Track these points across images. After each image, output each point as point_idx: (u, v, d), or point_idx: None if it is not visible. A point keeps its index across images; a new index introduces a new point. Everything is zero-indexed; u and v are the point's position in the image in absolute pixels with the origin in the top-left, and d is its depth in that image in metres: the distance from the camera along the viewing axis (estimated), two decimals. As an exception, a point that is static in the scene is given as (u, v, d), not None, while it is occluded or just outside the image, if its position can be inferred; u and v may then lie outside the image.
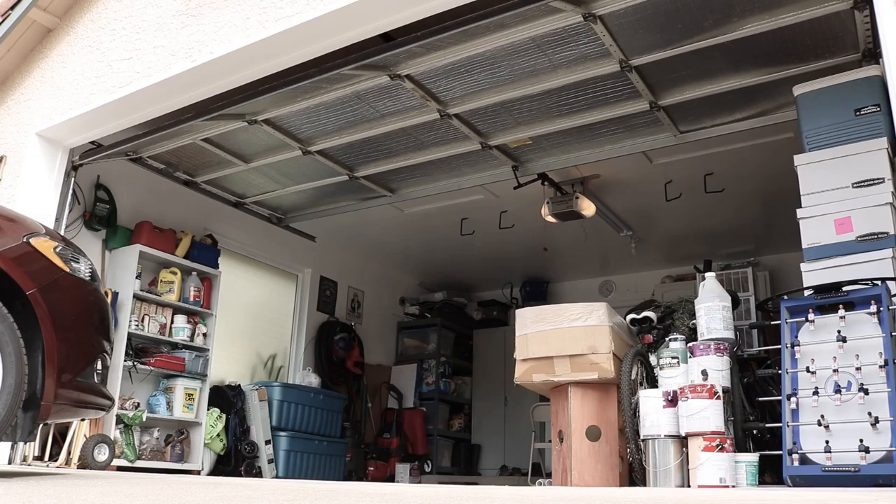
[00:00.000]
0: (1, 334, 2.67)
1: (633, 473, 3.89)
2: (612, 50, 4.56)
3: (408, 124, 5.62)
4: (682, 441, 3.65)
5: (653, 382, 4.11)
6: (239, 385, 7.05)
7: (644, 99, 5.09)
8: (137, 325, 6.22)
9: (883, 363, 3.22)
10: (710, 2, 4.14)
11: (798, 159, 4.09)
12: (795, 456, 3.33)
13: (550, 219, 6.82)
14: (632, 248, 8.07)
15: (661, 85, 4.98)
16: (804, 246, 3.93)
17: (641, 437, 3.82)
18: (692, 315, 4.09)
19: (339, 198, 7.22)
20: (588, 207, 6.75)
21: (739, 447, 3.65)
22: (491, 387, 9.67)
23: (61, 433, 5.63)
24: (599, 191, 7.02)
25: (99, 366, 3.11)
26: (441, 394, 9.39)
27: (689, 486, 3.56)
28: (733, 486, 3.43)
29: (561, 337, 4.20)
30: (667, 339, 4.09)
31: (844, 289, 3.48)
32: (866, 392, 3.23)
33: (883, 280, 3.45)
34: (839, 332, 3.38)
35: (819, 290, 3.57)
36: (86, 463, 5.34)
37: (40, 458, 5.53)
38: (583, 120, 5.44)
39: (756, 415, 4.04)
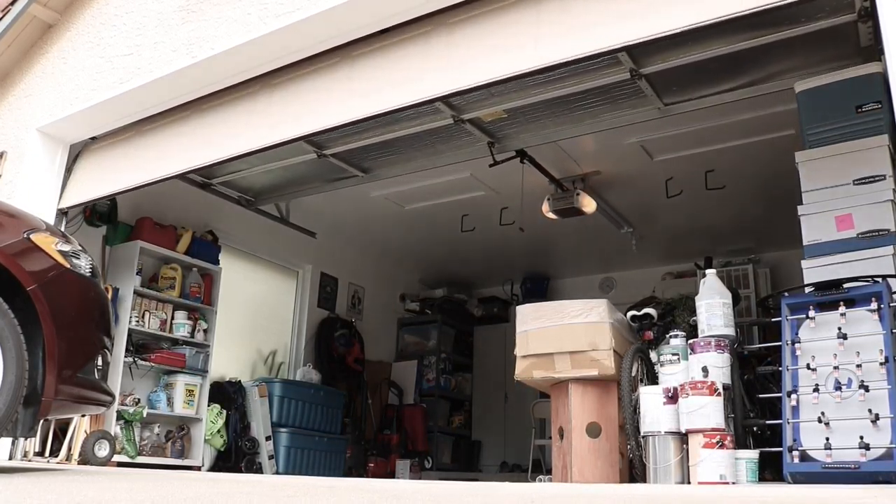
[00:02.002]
0: (1, 330, 2.67)
1: (634, 470, 3.89)
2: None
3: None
4: (683, 438, 3.65)
5: (653, 379, 4.11)
6: (239, 381, 7.06)
7: (624, 66, 4.71)
8: (138, 322, 6.23)
9: (883, 360, 3.21)
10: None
11: (799, 156, 4.09)
12: (796, 453, 3.33)
13: (551, 215, 6.82)
14: (632, 244, 8.07)
15: (642, 50, 4.58)
16: (805, 243, 3.92)
17: (642, 434, 3.82)
18: (693, 312, 4.08)
19: (310, 178, 6.88)
20: (589, 204, 6.75)
21: (740, 444, 3.65)
22: (491, 383, 9.67)
23: (62, 429, 5.63)
24: (600, 187, 7.02)
25: (99, 362, 3.11)
26: (441, 390, 9.39)
27: (689, 482, 3.56)
28: (733, 483, 3.43)
29: (561, 334, 4.20)
30: (667, 335, 4.08)
31: (845, 286, 3.48)
32: (867, 389, 3.23)
33: (884, 277, 3.44)
34: (840, 329, 3.37)
35: (820, 287, 3.57)
36: (86, 459, 5.35)
37: (41, 454, 5.54)
38: (559, 91, 5.08)
39: (756, 412, 4.04)
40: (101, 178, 5.72)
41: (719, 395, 3.54)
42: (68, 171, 5.93)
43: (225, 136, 5.11)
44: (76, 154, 5.99)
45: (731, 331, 3.78)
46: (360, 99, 4.50)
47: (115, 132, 5.83)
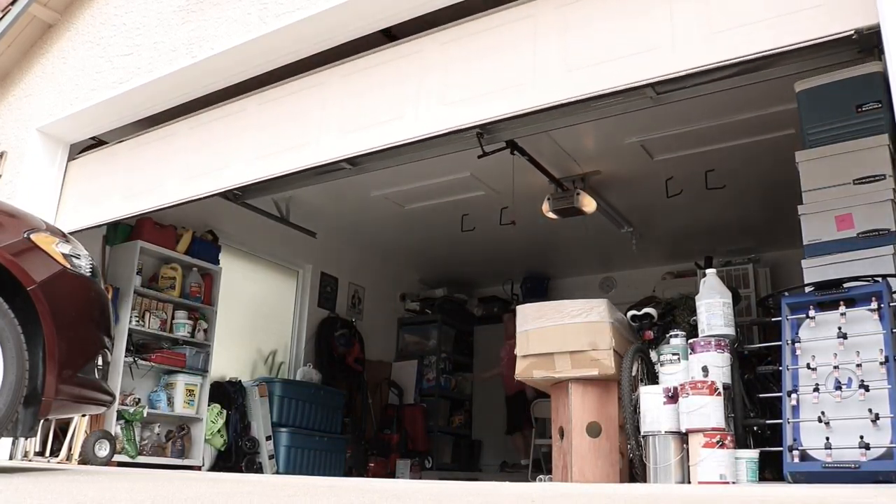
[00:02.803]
0: (2, 330, 2.67)
1: (634, 470, 3.89)
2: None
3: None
4: (683, 437, 3.65)
5: (653, 379, 4.11)
6: (240, 381, 7.06)
7: None
8: (138, 322, 6.23)
9: (883, 360, 3.21)
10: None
11: (799, 156, 4.09)
12: (796, 452, 3.33)
13: (551, 215, 6.81)
14: (633, 244, 8.07)
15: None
16: (805, 242, 3.92)
17: (642, 434, 3.82)
18: (693, 311, 4.08)
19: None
20: (589, 204, 6.75)
21: (740, 443, 3.64)
22: (491, 383, 9.66)
23: (62, 429, 5.63)
24: (600, 187, 7.01)
25: (100, 362, 3.11)
26: (441, 390, 9.39)
27: (689, 482, 3.56)
28: (734, 483, 3.43)
29: (561, 333, 4.20)
30: (667, 335, 4.08)
31: (845, 285, 3.48)
32: (867, 389, 3.22)
33: (884, 277, 3.44)
34: (840, 328, 3.37)
35: (820, 286, 3.57)
36: (86, 459, 5.35)
37: (41, 453, 5.54)
38: None
39: (756, 411, 4.04)
40: (93, 202, 5.67)
41: (719, 394, 3.54)
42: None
43: (211, 170, 5.06)
44: (65, 170, 5.95)
45: (731, 330, 3.77)
46: (361, 132, 4.45)
47: (104, 149, 5.80)
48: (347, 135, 4.44)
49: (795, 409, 3.42)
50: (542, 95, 3.81)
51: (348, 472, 7.83)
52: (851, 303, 3.42)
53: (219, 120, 5.12)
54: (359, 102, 4.47)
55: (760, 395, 4.02)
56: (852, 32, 3.02)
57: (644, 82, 3.56)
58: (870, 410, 3.18)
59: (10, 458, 5.30)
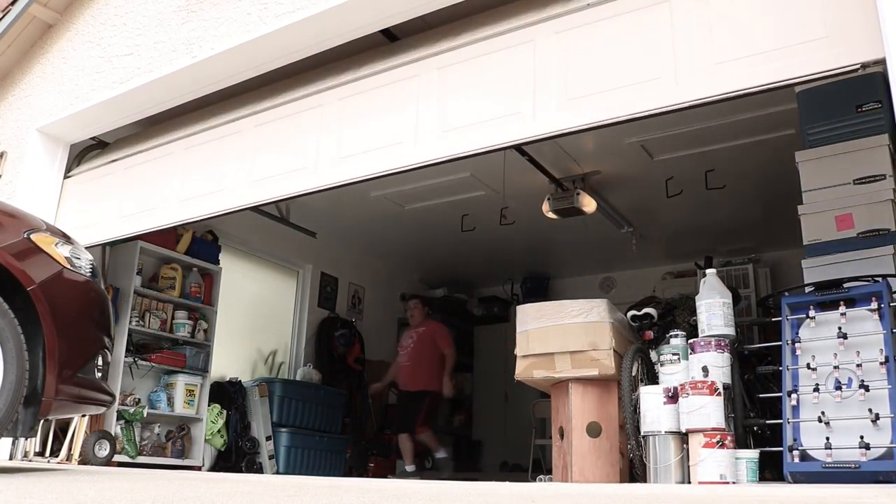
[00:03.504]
0: (2, 330, 2.67)
1: (634, 470, 3.89)
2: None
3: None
4: (683, 437, 3.65)
5: (653, 379, 4.11)
6: (240, 381, 7.06)
7: None
8: (138, 322, 6.23)
9: (883, 360, 3.21)
10: None
11: (799, 156, 4.09)
12: (796, 452, 3.33)
13: (551, 215, 6.81)
14: (633, 244, 8.07)
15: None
16: (805, 242, 3.93)
17: (642, 434, 3.82)
18: (693, 312, 4.08)
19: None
20: (589, 204, 6.74)
21: (740, 444, 3.65)
22: (491, 383, 9.66)
23: (62, 429, 5.63)
24: (600, 187, 7.01)
25: (100, 362, 3.11)
26: (441, 390, 9.36)
27: (689, 482, 3.56)
28: (734, 483, 3.43)
29: (562, 333, 4.20)
30: (667, 335, 4.08)
31: (845, 285, 3.48)
32: (867, 389, 3.23)
33: (884, 276, 3.45)
34: (840, 328, 3.37)
35: (820, 286, 3.57)
36: (86, 459, 5.35)
37: (41, 454, 5.54)
38: None
39: (756, 411, 4.04)
40: (89, 223, 5.65)
41: (719, 394, 3.54)
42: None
43: (209, 192, 5.04)
44: (61, 188, 5.93)
45: (731, 330, 3.77)
46: (359, 156, 4.39)
47: (99, 169, 5.81)
48: (345, 159, 4.41)
49: (795, 409, 3.42)
50: (541, 126, 3.75)
51: (348, 472, 7.82)
52: (851, 303, 3.43)
53: (216, 141, 5.11)
54: (356, 126, 4.44)
55: (760, 395, 4.02)
56: (858, 66, 3.00)
57: (646, 113, 3.49)
58: (870, 410, 3.18)
59: (10, 458, 5.30)
